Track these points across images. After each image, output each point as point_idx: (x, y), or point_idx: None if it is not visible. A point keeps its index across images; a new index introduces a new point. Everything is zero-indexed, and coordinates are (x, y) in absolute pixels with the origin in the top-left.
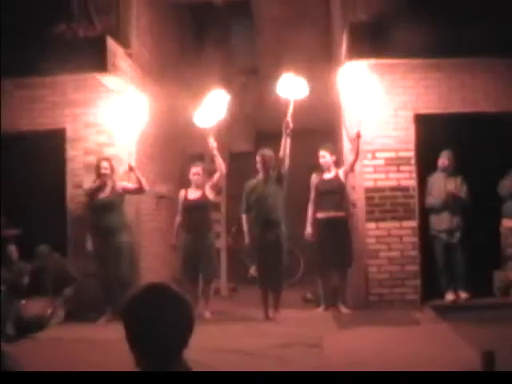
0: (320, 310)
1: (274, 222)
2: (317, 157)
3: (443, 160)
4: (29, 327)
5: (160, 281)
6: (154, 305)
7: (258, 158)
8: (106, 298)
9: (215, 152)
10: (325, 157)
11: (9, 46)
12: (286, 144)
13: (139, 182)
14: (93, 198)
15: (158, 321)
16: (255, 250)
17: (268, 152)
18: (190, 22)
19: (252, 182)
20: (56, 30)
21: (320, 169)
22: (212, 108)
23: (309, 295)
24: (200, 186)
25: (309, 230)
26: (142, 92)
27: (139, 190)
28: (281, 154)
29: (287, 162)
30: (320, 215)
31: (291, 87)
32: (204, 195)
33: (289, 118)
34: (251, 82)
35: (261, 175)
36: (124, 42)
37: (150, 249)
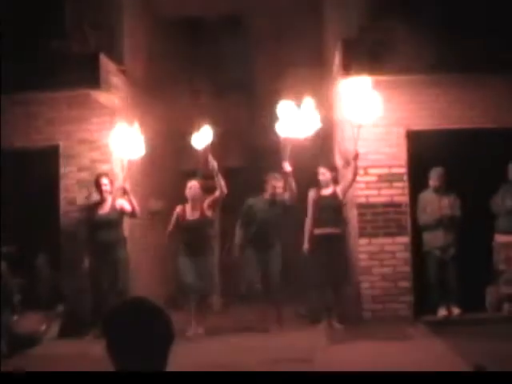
0: (313, 325)
1: (269, 244)
2: (313, 172)
3: (434, 180)
4: (22, 343)
5: (141, 296)
6: (132, 317)
7: (271, 184)
8: (97, 314)
9: (216, 171)
10: (325, 174)
11: (1, 61)
12: (290, 184)
13: (132, 206)
14: (91, 214)
15: (136, 332)
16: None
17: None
18: (182, 37)
19: (254, 201)
20: (50, 46)
21: (318, 184)
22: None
23: (302, 310)
24: (197, 203)
25: (306, 245)
26: (134, 108)
27: (132, 214)
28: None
29: (293, 197)
30: (317, 231)
31: (289, 126)
32: (203, 214)
33: (286, 164)
34: (244, 97)
35: (266, 196)
36: (117, 59)
37: (144, 265)
